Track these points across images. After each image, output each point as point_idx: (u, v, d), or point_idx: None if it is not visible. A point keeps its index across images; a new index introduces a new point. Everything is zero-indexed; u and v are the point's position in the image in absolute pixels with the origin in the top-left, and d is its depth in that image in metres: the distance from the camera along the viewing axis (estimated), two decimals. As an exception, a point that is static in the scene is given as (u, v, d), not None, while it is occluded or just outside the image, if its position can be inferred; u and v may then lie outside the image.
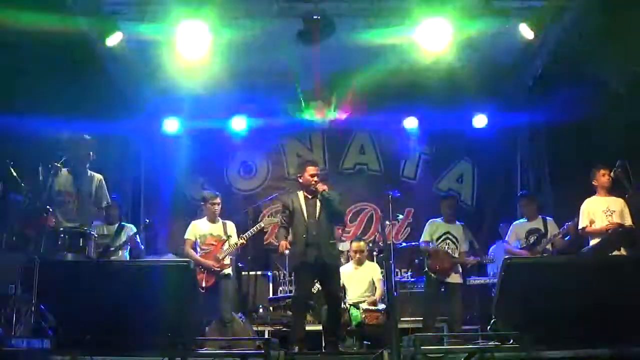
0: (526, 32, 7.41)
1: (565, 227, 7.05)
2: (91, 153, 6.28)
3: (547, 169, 9.25)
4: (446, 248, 7.27)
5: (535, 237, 7.18)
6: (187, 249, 7.19)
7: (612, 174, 6.55)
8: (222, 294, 6.98)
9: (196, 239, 7.20)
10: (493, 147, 9.59)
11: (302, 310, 6.41)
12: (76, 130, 6.35)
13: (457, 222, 7.51)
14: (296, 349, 5.95)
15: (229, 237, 7.22)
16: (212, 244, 7.15)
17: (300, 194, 6.35)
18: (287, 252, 6.32)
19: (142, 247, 7.61)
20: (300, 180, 6.40)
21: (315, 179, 6.24)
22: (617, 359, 4.73)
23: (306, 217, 6.18)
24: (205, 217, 7.33)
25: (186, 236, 7.27)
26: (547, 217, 7.42)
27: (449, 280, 7.24)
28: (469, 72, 8.21)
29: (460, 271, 7.38)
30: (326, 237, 6.18)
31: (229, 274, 7.15)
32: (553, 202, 8.84)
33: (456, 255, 7.30)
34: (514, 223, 7.50)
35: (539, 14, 7.35)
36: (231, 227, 7.35)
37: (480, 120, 9.49)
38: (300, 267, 6.20)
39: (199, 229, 7.24)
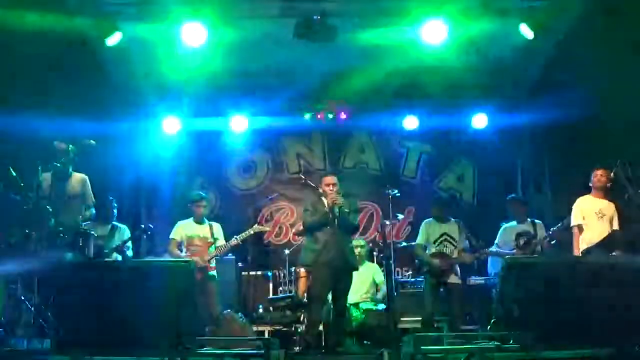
0: (526, 32, 7.41)
1: (550, 232, 7.09)
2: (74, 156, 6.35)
3: (547, 169, 9.25)
4: (445, 250, 7.25)
5: (525, 240, 7.19)
6: (172, 248, 7.18)
7: (611, 174, 6.55)
8: (205, 294, 6.95)
9: (182, 240, 7.18)
10: (493, 147, 9.58)
11: (319, 305, 6.45)
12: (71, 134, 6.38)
13: (452, 220, 7.46)
14: (309, 336, 6.22)
15: (215, 239, 7.20)
16: (199, 245, 7.14)
17: (325, 200, 6.53)
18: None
19: (130, 255, 7.57)
20: (321, 190, 6.64)
21: (331, 188, 6.47)
22: (617, 359, 4.73)
23: (329, 219, 6.36)
24: (192, 218, 7.30)
25: (171, 236, 7.25)
26: (536, 220, 7.44)
27: (448, 280, 7.23)
28: (469, 72, 8.20)
29: (459, 272, 7.37)
30: (346, 243, 6.43)
31: (213, 275, 7.13)
32: (552, 202, 8.84)
33: (455, 255, 7.28)
34: (503, 226, 7.51)
35: (539, 14, 7.35)
36: (218, 229, 7.33)
37: (480, 120, 9.49)
38: (318, 266, 6.32)
39: (185, 229, 7.22)
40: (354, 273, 7.57)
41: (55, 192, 6.20)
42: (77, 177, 6.55)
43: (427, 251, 7.32)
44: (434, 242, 7.27)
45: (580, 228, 6.66)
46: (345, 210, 6.40)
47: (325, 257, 6.26)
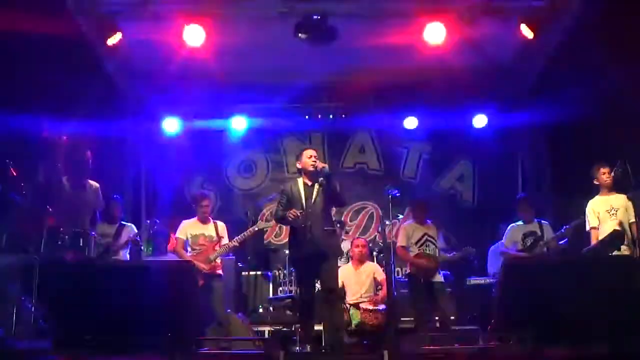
0: (526, 32, 7.41)
1: (563, 229, 7.07)
2: (89, 160, 6.34)
3: (547, 169, 9.25)
4: (427, 250, 7.27)
5: (532, 240, 7.19)
6: (178, 248, 7.17)
7: (612, 173, 6.55)
8: (212, 294, 6.94)
9: (187, 239, 7.18)
10: (493, 147, 9.59)
11: (310, 311, 6.07)
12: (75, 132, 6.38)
13: (428, 221, 7.50)
14: (308, 347, 5.88)
15: (221, 238, 7.20)
16: (204, 245, 7.13)
17: (300, 180, 6.13)
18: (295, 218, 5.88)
19: (143, 249, 7.58)
20: (299, 166, 6.19)
21: (313, 159, 6.04)
22: (617, 358, 4.73)
23: (304, 204, 5.94)
24: (196, 218, 7.29)
25: (177, 235, 7.23)
26: (543, 221, 7.43)
27: (433, 280, 7.24)
28: (469, 72, 8.20)
29: (441, 272, 7.38)
30: (322, 224, 5.92)
31: (219, 274, 7.13)
32: (553, 202, 8.84)
33: (436, 254, 7.31)
34: (510, 225, 7.50)
35: (539, 14, 7.35)
36: (222, 227, 7.31)
37: (480, 120, 9.49)
38: (301, 261, 5.98)
39: (191, 228, 7.21)
40: (354, 273, 7.60)
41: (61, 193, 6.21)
42: (90, 185, 6.54)
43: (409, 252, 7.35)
44: (416, 243, 7.29)
45: (596, 229, 6.66)
46: (332, 177, 5.94)
47: (303, 251, 5.87)
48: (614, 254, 6.37)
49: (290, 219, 5.90)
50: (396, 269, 8.50)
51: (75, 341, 4.82)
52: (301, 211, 5.89)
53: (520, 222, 7.44)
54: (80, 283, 5.08)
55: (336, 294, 6.09)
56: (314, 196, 5.98)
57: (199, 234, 7.17)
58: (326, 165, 6.02)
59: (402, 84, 8.76)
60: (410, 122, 9.62)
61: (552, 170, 9.14)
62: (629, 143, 6.91)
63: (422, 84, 8.61)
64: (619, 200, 6.64)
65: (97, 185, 6.55)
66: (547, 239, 7.16)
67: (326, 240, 5.92)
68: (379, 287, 7.58)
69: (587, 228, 6.72)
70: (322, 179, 5.97)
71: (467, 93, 8.91)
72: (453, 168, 10.11)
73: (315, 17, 7.11)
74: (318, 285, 6.45)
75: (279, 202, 6.19)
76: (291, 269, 8.44)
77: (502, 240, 7.55)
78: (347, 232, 9.48)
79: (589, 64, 7.23)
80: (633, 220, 6.54)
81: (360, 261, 7.70)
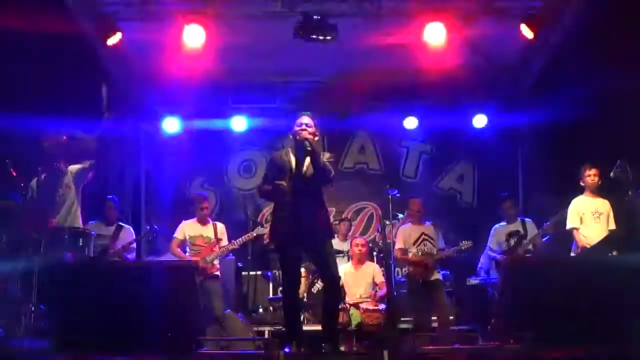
0: (526, 32, 7.41)
1: (544, 226, 7.09)
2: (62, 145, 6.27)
3: (547, 169, 9.25)
4: (425, 249, 7.30)
5: (515, 239, 7.20)
6: (173, 248, 7.17)
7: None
8: (208, 294, 6.93)
9: (185, 240, 7.17)
10: (493, 147, 9.59)
11: (295, 303, 5.43)
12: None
13: (426, 222, 7.52)
14: (294, 345, 5.13)
15: (219, 240, 7.20)
16: (202, 246, 7.13)
17: (291, 150, 5.37)
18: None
19: (134, 256, 7.55)
20: (290, 135, 5.45)
21: (303, 127, 5.24)
22: (617, 359, 4.73)
23: (293, 172, 5.22)
24: (195, 218, 7.30)
25: (174, 235, 7.24)
26: (526, 219, 7.44)
27: (431, 278, 7.26)
28: (469, 72, 8.19)
29: (439, 270, 7.42)
30: (314, 198, 5.25)
31: (217, 275, 7.13)
32: (552, 201, 8.82)
33: (434, 252, 7.34)
34: (494, 227, 7.50)
35: (539, 14, 7.35)
36: (222, 229, 7.31)
37: (480, 120, 9.49)
38: (285, 236, 5.21)
39: (189, 229, 7.21)
40: (354, 273, 7.60)
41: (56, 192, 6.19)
42: (62, 168, 6.44)
43: (407, 254, 7.37)
44: (414, 243, 7.32)
45: (577, 229, 6.66)
46: (315, 149, 5.16)
47: (287, 226, 5.13)
48: (613, 254, 6.39)
49: (275, 188, 5.13)
50: (396, 269, 8.52)
51: (75, 341, 4.82)
52: (288, 181, 5.16)
53: (503, 223, 7.46)
54: (80, 283, 5.08)
55: (338, 281, 5.46)
56: (304, 168, 5.25)
57: (197, 235, 7.18)
58: (310, 138, 5.20)
59: (402, 84, 8.76)
60: (410, 122, 9.62)
61: (552, 170, 9.14)
62: (628, 143, 6.91)
63: (422, 84, 8.60)
64: (604, 206, 6.67)
65: (66, 169, 6.27)
66: (531, 236, 7.17)
67: (314, 218, 5.20)
68: (378, 288, 7.59)
69: (568, 227, 6.72)
70: (308, 150, 5.18)
71: (467, 93, 8.91)
72: (453, 168, 10.11)
73: (315, 17, 7.11)
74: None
75: (265, 174, 5.42)
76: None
77: (488, 243, 7.55)
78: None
79: (588, 64, 7.23)
80: (614, 227, 6.58)
81: (360, 261, 7.72)
